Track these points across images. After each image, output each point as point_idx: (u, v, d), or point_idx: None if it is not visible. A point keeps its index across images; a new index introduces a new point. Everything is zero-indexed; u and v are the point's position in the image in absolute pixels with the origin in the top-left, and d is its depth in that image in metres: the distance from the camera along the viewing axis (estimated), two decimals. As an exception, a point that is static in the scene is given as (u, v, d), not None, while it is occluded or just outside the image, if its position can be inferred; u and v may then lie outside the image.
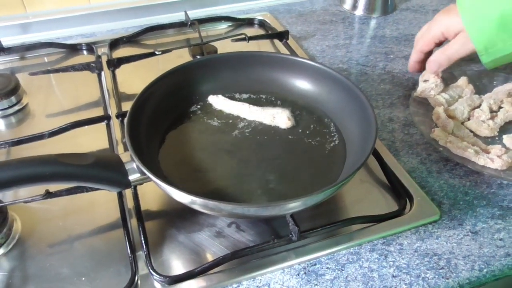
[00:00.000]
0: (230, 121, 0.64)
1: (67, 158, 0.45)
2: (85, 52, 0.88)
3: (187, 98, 0.66)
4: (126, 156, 0.51)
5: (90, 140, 0.67)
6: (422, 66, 0.74)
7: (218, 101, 0.66)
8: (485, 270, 0.50)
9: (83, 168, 0.46)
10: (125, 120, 0.54)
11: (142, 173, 0.50)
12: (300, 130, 0.63)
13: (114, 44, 0.88)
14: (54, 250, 0.52)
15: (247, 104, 0.65)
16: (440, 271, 0.50)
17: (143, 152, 0.54)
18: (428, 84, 0.70)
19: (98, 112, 0.72)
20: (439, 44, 0.71)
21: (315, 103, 0.66)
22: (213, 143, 0.61)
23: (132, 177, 0.50)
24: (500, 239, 0.53)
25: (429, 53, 0.72)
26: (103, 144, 0.66)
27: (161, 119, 0.62)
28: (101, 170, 0.48)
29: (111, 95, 0.75)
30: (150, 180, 0.49)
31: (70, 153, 0.47)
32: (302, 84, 0.67)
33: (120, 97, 0.74)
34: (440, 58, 0.68)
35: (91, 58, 0.84)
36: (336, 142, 0.61)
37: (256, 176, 0.56)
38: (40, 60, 0.86)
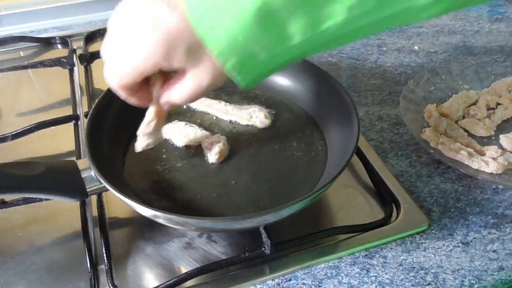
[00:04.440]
0: (204, 121, 0.60)
1: (12, 168, 0.41)
2: (59, 46, 0.83)
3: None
4: (84, 163, 0.47)
5: (58, 142, 0.63)
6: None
7: (192, 100, 0.62)
8: (476, 285, 0.46)
9: (31, 178, 0.42)
10: (86, 120, 0.50)
11: (100, 182, 0.46)
12: (277, 130, 0.58)
13: (91, 37, 0.83)
14: (10, 263, 0.48)
15: (223, 102, 0.61)
16: (427, 287, 0.46)
17: (104, 158, 0.49)
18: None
19: (70, 111, 0.67)
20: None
21: (295, 100, 0.61)
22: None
23: (90, 186, 0.46)
24: (494, 251, 0.49)
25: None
26: (71, 146, 0.61)
27: (129, 120, 0.57)
28: (53, 179, 0.44)
29: (84, 92, 0.71)
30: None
31: (17, 162, 0.43)
32: (281, 80, 0.62)
33: (93, 95, 0.70)
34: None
35: (65, 53, 0.79)
36: (317, 143, 0.56)
37: (229, 184, 0.52)
38: (12, 55, 0.81)
